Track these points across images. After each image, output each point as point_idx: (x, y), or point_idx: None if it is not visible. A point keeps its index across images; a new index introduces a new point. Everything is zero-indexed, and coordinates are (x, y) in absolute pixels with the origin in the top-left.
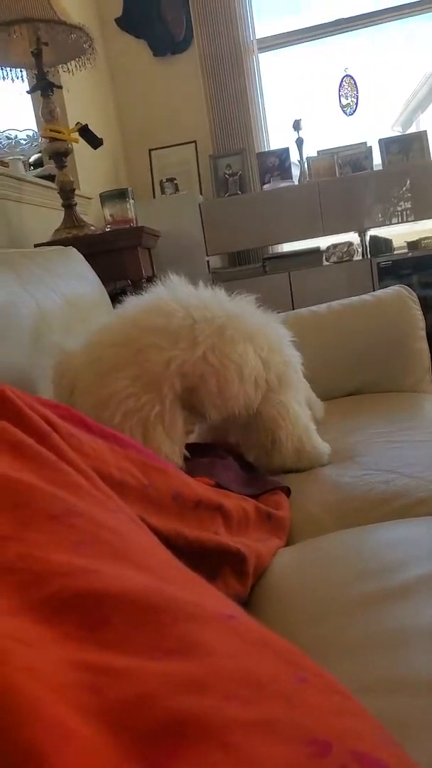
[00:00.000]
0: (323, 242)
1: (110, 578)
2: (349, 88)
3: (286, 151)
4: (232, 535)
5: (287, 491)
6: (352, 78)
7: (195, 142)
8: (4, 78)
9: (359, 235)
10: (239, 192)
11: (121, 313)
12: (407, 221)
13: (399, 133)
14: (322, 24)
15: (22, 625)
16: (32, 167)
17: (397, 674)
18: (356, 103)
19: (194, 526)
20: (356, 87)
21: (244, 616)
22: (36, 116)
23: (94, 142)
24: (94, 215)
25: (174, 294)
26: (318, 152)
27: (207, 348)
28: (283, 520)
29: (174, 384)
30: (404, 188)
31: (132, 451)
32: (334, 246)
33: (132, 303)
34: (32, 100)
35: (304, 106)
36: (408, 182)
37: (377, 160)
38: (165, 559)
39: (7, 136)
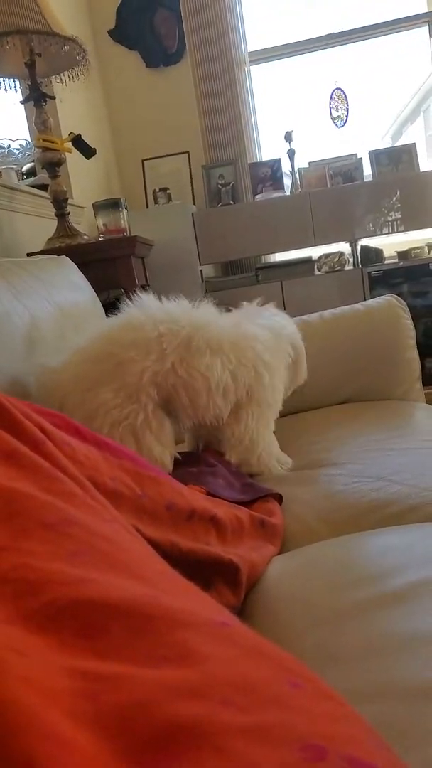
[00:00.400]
0: (315, 252)
1: (106, 587)
2: (340, 101)
3: (277, 161)
4: (225, 545)
5: (279, 498)
6: (342, 91)
7: (188, 152)
8: None
9: (350, 245)
10: (232, 202)
11: (97, 332)
12: (398, 231)
13: (389, 145)
14: (312, 38)
15: (17, 634)
16: (25, 176)
17: (391, 680)
18: (346, 116)
19: (188, 537)
20: (346, 100)
21: (237, 623)
22: (29, 126)
23: (87, 152)
24: (87, 224)
25: (142, 309)
26: (309, 163)
27: (175, 359)
28: (277, 526)
29: (150, 393)
30: (394, 199)
31: (126, 461)
32: (326, 256)
33: (107, 322)
34: (25, 110)
35: (296, 117)
36: (398, 193)
37: (368, 171)
38: (160, 569)
39: (0, 146)
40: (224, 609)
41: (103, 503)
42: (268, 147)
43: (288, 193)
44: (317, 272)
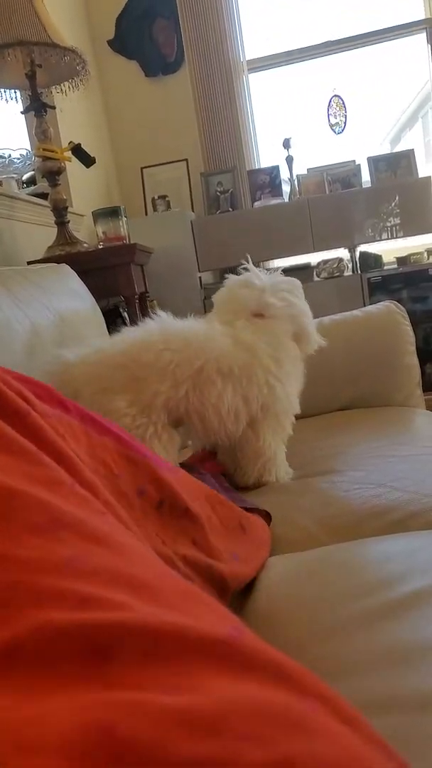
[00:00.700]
0: (314, 258)
1: (106, 605)
2: (338, 108)
3: (276, 168)
4: (196, 546)
5: (267, 516)
6: (340, 98)
7: (186, 160)
8: None
9: (349, 251)
10: (230, 209)
11: (117, 340)
12: (396, 237)
13: (387, 151)
14: (310, 46)
15: (10, 681)
16: (25, 185)
17: (395, 691)
18: (345, 122)
19: (153, 530)
20: (344, 106)
21: (246, 634)
22: (30, 136)
23: (87, 160)
24: (86, 232)
25: (162, 331)
26: (308, 170)
27: (189, 387)
28: (258, 528)
29: (161, 416)
30: (393, 205)
31: (109, 438)
32: (325, 262)
33: (128, 333)
34: (26, 120)
35: (294, 124)
36: (397, 199)
37: (366, 177)
38: (160, 571)
39: (0, 156)
40: (230, 614)
41: (93, 486)
42: (266, 154)
43: (286, 200)
44: (316, 278)
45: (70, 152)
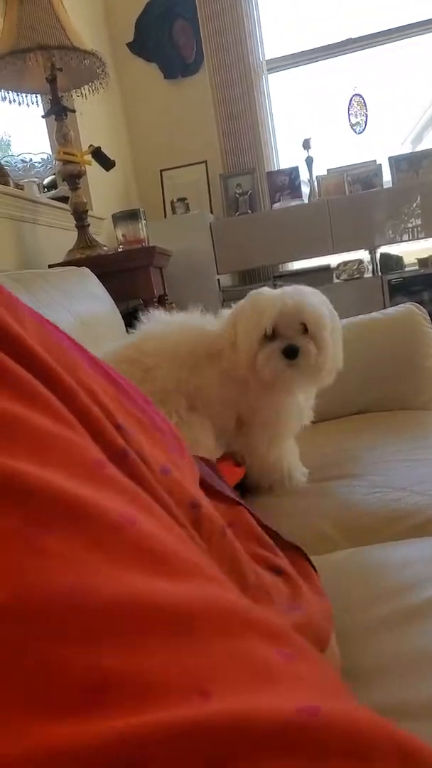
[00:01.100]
0: (333, 260)
1: (130, 694)
2: (358, 107)
3: (295, 169)
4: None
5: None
6: (361, 97)
7: (205, 162)
8: (20, 104)
9: (370, 253)
10: (249, 211)
11: (120, 341)
12: (418, 238)
13: (409, 151)
14: (330, 44)
15: None
16: (46, 189)
17: (422, 696)
18: (365, 122)
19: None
20: (365, 105)
21: (323, 699)
22: (50, 140)
23: (107, 163)
24: (106, 235)
25: (159, 321)
26: (328, 171)
27: (191, 367)
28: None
29: (180, 401)
30: (414, 205)
31: (101, 376)
32: (345, 263)
33: (131, 336)
34: (47, 124)
35: (314, 125)
36: (418, 199)
37: (387, 177)
38: (203, 592)
39: (22, 160)
40: (301, 645)
41: (102, 424)
42: (285, 155)
43: (306, 201)
44: (336, 280)
45: (90, 155)
